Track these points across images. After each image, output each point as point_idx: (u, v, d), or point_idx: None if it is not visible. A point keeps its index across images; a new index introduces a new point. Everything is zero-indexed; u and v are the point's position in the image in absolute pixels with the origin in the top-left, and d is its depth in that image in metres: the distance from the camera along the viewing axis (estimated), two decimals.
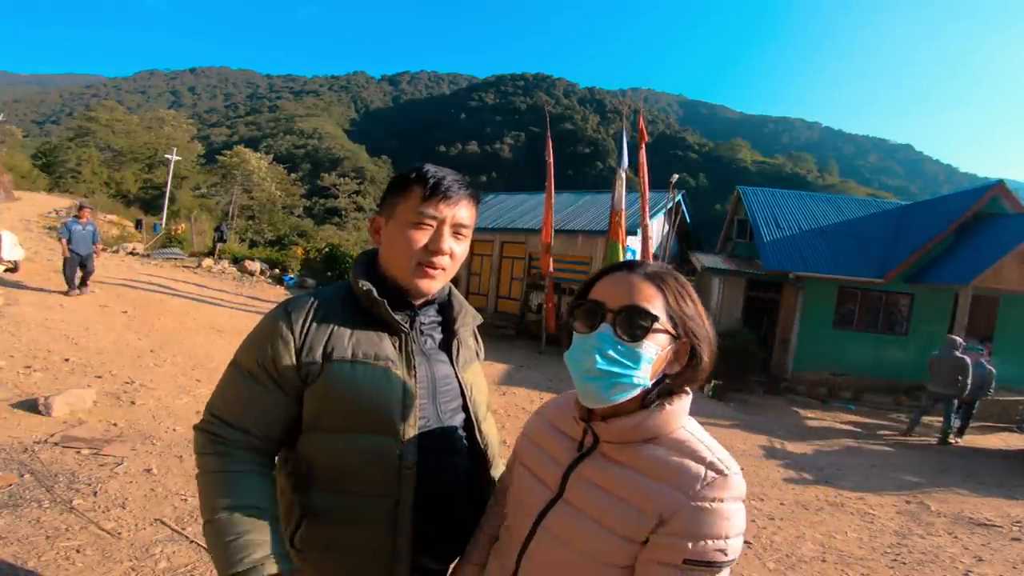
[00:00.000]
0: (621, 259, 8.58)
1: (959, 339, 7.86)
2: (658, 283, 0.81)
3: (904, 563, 3.57)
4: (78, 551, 2.49)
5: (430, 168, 1.01)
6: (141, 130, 45.94)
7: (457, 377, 1.09)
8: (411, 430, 0.98)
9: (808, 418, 8.92)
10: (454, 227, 1.01)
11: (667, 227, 12.49)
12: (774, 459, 6.05)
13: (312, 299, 1.02)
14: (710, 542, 0.73)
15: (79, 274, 8.59)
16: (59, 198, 29.64)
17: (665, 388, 0.83)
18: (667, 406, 0.82)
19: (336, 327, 0.99)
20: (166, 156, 33.52)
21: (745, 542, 3.63)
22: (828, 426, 8.38)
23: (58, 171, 38.39)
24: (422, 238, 0.99)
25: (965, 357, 7.50)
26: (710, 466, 0.76)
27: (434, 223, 0.99)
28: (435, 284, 1.03)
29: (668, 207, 12.57)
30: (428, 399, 1.04)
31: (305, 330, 0.97)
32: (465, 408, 1.09)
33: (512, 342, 12.20)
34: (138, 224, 25.37)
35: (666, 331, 0.80)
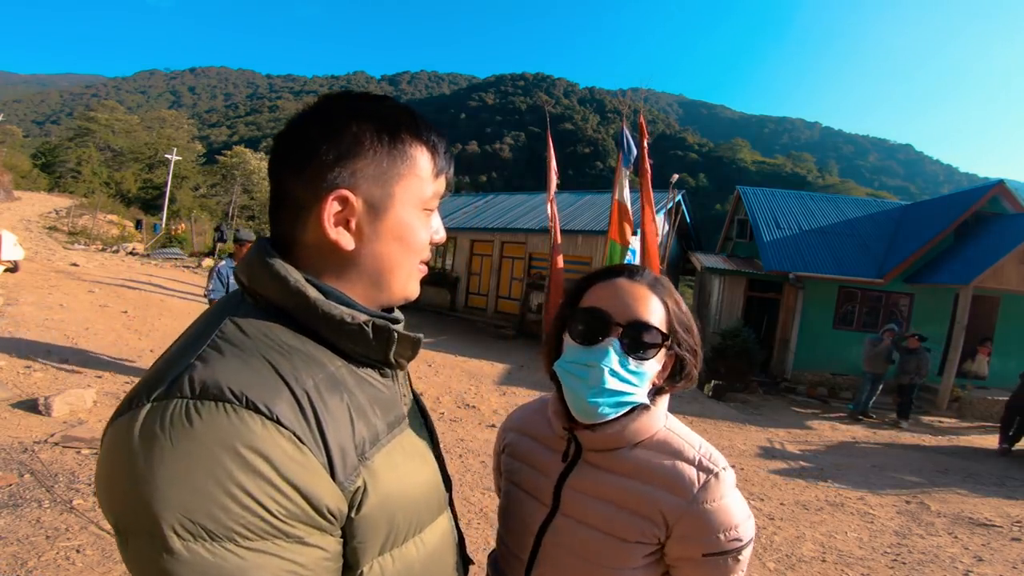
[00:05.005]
0: (621, 259, 8.57)
1: (889, 327, 9.35)
2: (661, 295, 0.79)
3: (904, 563, 3.57)
4: (78, 551, 2.49)
5: (420, 118, 0.67)
6: (141, 130, 46.06)
7: (414, 393, 0.80)
8: (443, 487, 0.74)
9: (808, 418, 8.92)
10: None
11: (667, 227, 12.50)
12: (774, 459, 6.05)
13: (267, 361, 0.55)
14: (721, 535, 0.75)
15: None
16: (59, 198, 29.69)
17: (650, 392, 0.82)
18: (650, 408, 0.81)
19: (340, 399, 0.58)
20: (166, 156, 33.56)
21: None
22: (828, 426, 8.38)
23: (58, 171, 38.46)
24: (428, 228, 0.69)
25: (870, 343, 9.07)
26: (700, 467, 0.78)
27: (436, 205, 0.70)
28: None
29: (668, 207, 12.58)
30: None
31: (318, 429, 0.54)
32: (428, 428, 0.79)
33: (512, 342, 12.19)
34: (138, 224, 25.40)
35: (666, 346, 0.79)
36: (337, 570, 0.57)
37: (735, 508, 0.77)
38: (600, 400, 0.76)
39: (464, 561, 0.79)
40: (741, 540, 0.76)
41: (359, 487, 0.56)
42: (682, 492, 0.76)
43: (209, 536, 0.47)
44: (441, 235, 0.72)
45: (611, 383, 0.75)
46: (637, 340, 0.76)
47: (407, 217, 0.65)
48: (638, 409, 0.80)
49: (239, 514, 0.48)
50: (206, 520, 0.47)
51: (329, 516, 0.54)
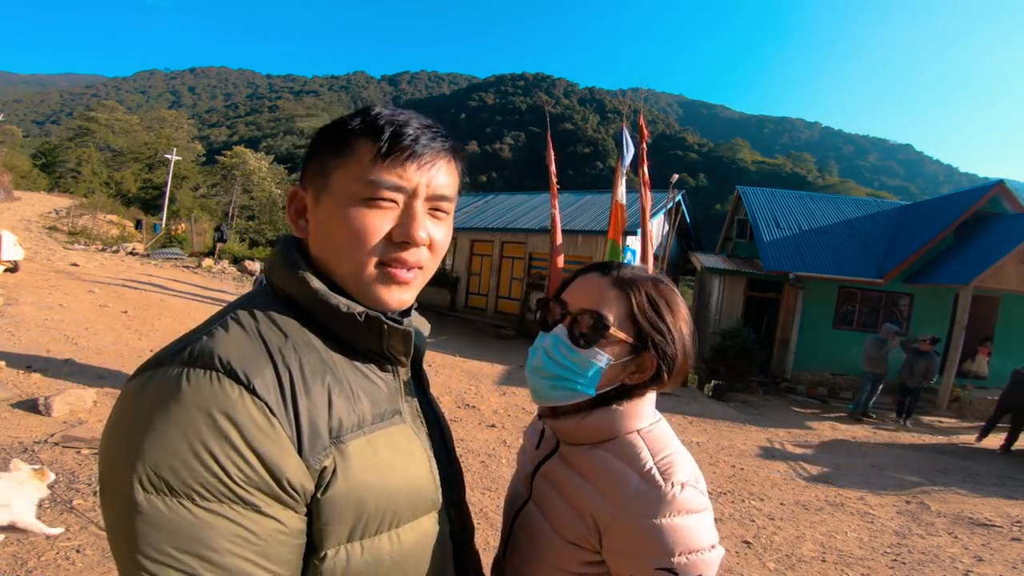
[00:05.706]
0: (620, 259, 8.58)
1: (890, 327, 9.22)
2: (626, 290, 0.76)
3: (904, 563, 3.57)
4: (78, 551, 2.49)
5: (382, 111, 0.66)
6: (141, 130, 46.10)
7: (429, 399, 0.84)
8: (439, 492, 0.72)
9: (808, 418, 8.92)
10: (430, 201, 0.67)
11: (667, 227, 12.52)
12: (774, 459, 6.06)
13: (261, 340, 0.59)
14: (649, 560, 0.67)
15: None
16: (59, 198, 29.70)
17: (621, 391, 0.78)
18: (614, 407, 0.77)
19: (322, 382, 0.60)
20: (166, 156, 33.57)
21: (744, 542, 3.64)
22: (828, 426, 8.38)
23: (58, 171, 38.52)
24: (380, 223, 0.64)
25: (872, 343, 8.97)
26: (645, 476, 0.70)
27: (399, 198, 0.64)
28: (408, 294, 0.68)
29: (668, 207, 12.58)
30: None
31: (292, 404, 0.56)
32: (443, 437, 0.83)
33: (512, 342, 12.18)
34: (138, 224, 25.44)
35: (624, 341, 0.75)
36: (297, 547, 0.57)
37: (677, 534, 0.67)
38: (537, 379, 0.79)
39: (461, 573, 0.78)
40: (676, 574, 0.66)
41: (327, 467, 0.57)
42: (615, 499, 0.70)
43: (168, 491, 0.50)
44: (409, 232, 0.64)
45: (548, 366, 0.77)
46: (580, 327, 0.76)
47: (336, 204, 0.64)
48: (601, 407, 0.77)
49: (199, 473, 0.50)
50: (168, 475, 0.50)
51: (290, 490, 0.55)
